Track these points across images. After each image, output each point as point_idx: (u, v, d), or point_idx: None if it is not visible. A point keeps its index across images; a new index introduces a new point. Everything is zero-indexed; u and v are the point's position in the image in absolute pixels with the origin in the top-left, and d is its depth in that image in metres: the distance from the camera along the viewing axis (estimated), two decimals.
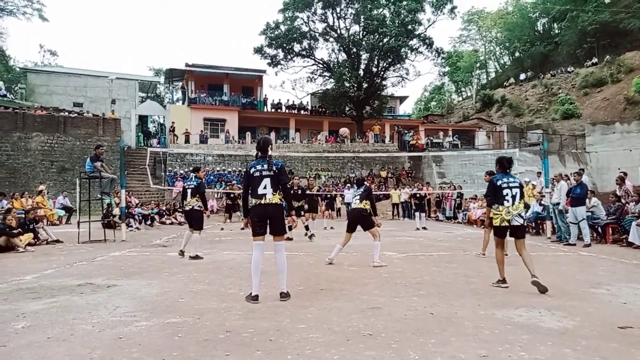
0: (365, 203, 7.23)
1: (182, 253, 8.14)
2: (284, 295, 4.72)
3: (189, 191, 8.20)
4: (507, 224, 5.30)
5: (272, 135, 29.93)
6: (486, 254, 8.25)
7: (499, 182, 5.45)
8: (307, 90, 35.75)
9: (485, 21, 58.18)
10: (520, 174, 20.07)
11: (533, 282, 5.04)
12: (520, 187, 5.50)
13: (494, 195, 5.44)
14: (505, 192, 5.36)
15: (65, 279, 6.01)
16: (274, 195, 4.71)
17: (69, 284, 5.69)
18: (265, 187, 4.71)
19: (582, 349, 3.22)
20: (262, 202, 4.70)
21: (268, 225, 4.77)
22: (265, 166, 4.75)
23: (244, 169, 25.83)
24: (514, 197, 5.34)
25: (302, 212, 11.75)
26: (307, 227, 11.60)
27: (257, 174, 4.76)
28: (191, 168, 9.61)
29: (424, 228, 14.64)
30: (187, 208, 8.29)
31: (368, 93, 31.39)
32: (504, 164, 5.64)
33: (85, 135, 24.83)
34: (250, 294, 4.67)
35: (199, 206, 8.15)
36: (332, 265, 7.18)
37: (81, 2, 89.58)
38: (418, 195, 17.12)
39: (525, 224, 5.55)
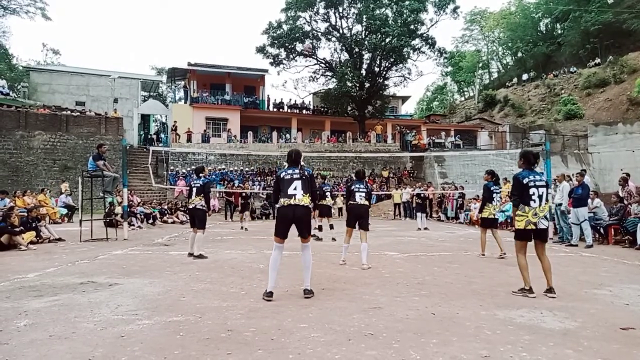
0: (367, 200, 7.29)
1: (191, 255, 8.06)
2: (308, 292, 4.82)
3: (194, 190, 8.16)
4: (533, 227, 4.89)
5: (274, 135, 29.96)
6: (486, 254, 8.26)
7: (525, 180, 4.94)
8: (309, 90, 35.69)
9: (487, 21, 58.04)
10: None
11: (549, 296, 4.81)
12: (547, 186, 5.08)
13: (520, 195, 4.97)
14: (532, 191, 4.90)
15: (68, 277, 6.02)
16: (303, 196, 4.81)
17: (71, 282, 5.70)
18: (295, 188, 4.81)
19: (584, 349, 3.21)
20: (292, 202, 4.78)
21: (295, 228, 4.85)
22: (297, 171, 4.90)
23: (246, 169, 26.05)
24: (540, 197, 4.91)
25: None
26: (320, 228, 11.55)
27: (288, 177, 4.87)
28: (193, 167, 9.58)
29: (426, 228, 14.63)
30: (190, 206, 8.27)
31: (370, 93, 31.34)
32: (530, 159, 5.10)
33: (87, 134, 24.88)
34: (266, 290, 4.76)
35: (202, 205, 8.08)
36: (334, 264, 7.18)
37: (84, 1, 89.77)
38: (422, 195, 17.11)
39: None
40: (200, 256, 7.84)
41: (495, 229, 8.57)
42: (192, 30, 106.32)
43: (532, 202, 4.90)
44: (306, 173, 4.92)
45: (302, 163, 5.03)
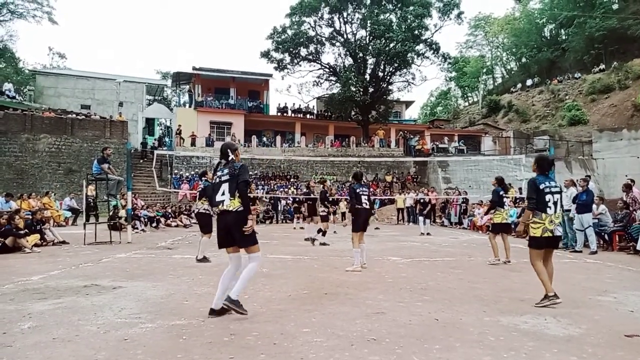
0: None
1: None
2: (227, 301, 4.06)
3: (198, 194, 8.25)
4: (550, 235, 4.71)
5: (278, 139, 30.00)
6: (501, 259, 8.03)
7: (541, 186, 4.77)
8: (313, 95, 35.77)
9: (492, 27, 58.08)
10: (526, 179, 19.98)
11: (553, 302, 4.65)
12: (560, 192, 4.94)
13: (537, 201, 4.78)
14: (547, 197, 4.74)
15: (71, 280, 6.04)
16: (231, 200, 4.16)
17: (75, 285, 5.72)
18: (223, 193, 4.21)
19: (588, 356, 3.19)
20: (222, 208, 4.22)
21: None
22: (226, 170, 4.26)
23: (249, 173, 26.07)
24: (555, 203, 4.77)
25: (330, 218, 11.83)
26: (319, 232, 11.51)
27: (217, 179, 4.31)
28: (197, 171, 9.65)
29: (429, 233, 14.60)
30: (195, 211, 8.33)
31: (374, 97, 31.39)
32: (544, 166, 4.96)
33: (92, 137, 25.00)
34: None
35: (204, 209, 8.14)
36: (337, 269, 7.17)
37: (90, 5, 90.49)
38: (422, 200, 17.08)
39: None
40: (204, 259, 7.86)
41: (507, 234, 8.49)
42: (197, 35, 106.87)
43: (548, 209, 4.74)
44: (235, 169, 4.20)
45: (231, 156, 4.29)
